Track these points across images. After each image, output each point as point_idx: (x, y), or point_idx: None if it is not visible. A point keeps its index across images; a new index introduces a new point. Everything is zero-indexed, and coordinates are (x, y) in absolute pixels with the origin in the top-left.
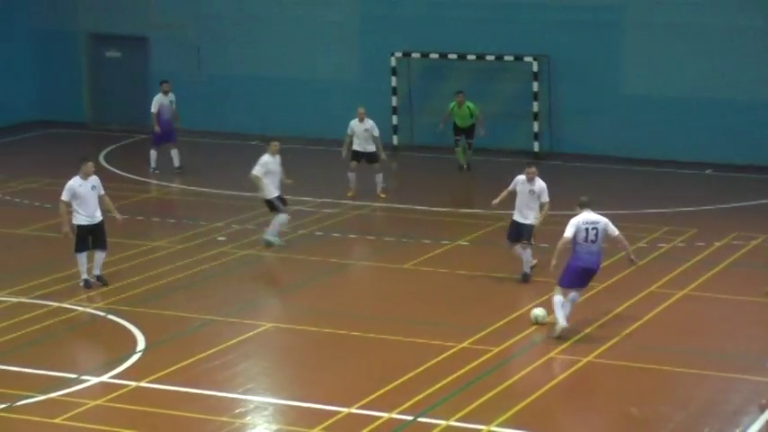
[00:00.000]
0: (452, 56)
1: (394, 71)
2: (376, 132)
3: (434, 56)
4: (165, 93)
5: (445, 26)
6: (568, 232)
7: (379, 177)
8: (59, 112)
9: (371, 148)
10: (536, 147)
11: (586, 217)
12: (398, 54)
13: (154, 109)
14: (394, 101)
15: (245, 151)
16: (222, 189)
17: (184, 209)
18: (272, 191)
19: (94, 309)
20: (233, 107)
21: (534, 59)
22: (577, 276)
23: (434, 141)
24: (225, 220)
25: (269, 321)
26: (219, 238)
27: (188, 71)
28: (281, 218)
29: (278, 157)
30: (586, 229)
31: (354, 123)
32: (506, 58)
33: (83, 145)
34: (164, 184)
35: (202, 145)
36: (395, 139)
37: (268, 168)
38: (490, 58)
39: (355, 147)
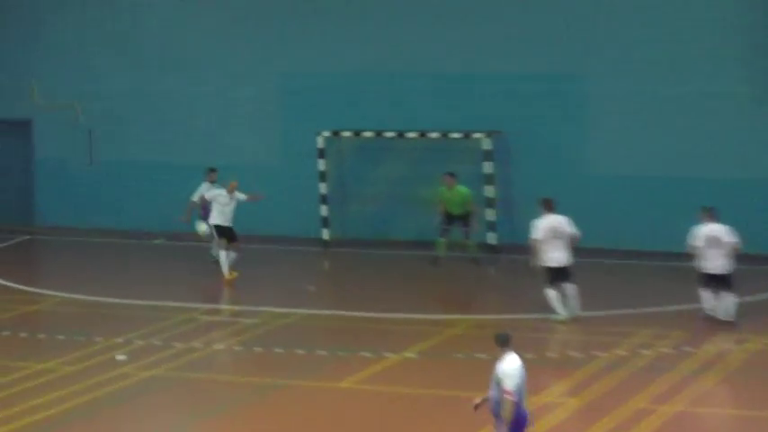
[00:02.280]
0: (390, 134)
1: (321, 153)
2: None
3: (368, 134)
4: (212, 183)
5: (380, 99)
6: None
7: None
8: None
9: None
10: (492, 238)
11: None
12: (326, 133)
13: (195, 198)
14: (323, 188)
15: (146, 252)
16: (120, 298)
17: (76, 322)
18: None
19: None
20: (131, 199)
21: (486, 136)
22: None
23: (372, 234)
24: (124, 334)
25: None
26: (119, 357)
27: (77, 159)
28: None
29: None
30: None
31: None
32: (453, 135)
33: None
34: (50, 293)
35: (95, 245)
36: (325, 233)
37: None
38: (434, 135)
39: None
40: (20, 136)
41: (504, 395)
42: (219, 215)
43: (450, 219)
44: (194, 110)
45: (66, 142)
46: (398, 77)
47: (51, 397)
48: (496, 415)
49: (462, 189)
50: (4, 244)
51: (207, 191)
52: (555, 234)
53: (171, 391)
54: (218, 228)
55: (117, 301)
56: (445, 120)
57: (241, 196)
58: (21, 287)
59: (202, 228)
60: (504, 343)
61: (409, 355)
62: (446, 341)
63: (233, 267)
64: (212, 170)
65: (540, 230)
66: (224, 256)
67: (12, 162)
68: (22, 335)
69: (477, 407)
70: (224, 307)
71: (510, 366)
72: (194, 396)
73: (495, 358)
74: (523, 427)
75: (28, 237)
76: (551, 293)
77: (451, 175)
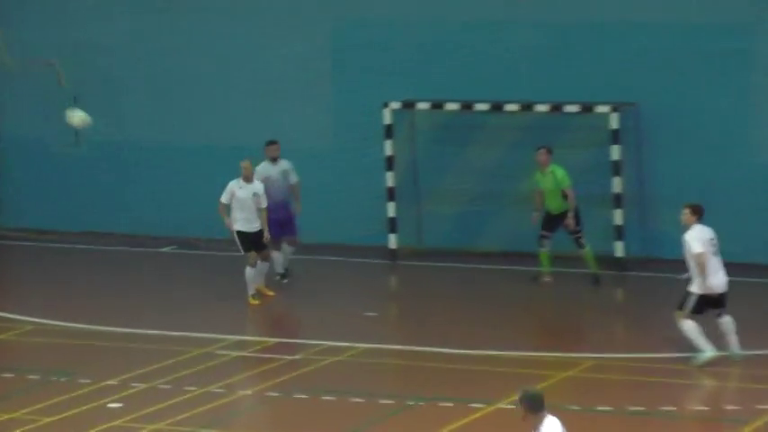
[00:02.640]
0: (481, 106)
1: (388, 132)
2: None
3: (452, 106)
4: (274, 159)
5: (469, 59)
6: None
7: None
8: None
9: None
10: (619, 250)
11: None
12: (396, 105)
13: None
14: (389, 179)
15: (151, 263)
16: (115, 325)
17: (55, 357)
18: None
19: None
20: (131, 193)
21: (613, 110)
22: None
23: (454, 242)
24: (120, 374)
25: None
26: (112, 405)
27: (59, 136)
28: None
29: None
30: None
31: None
32: (568, 108)
33: None
34: (21, 318)
35: (82, 254)
36: (391, 240)
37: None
38: (541, 108)
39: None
40: None
41: None
42: (241, 216)
43: (550, 220)
44: (217, 74)
45: (44, 115)
46: (494, 29)
47: None
48: None
49: (557, 171)
50: None
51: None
52: (714, 250)
53: None
54: (241, 235)
55: (110, 329)
56: (557, 88)
57: (258, 187)
58: None
59: None
60: (538, 407)
61: (504, 406)
62: (554, 388)
63: (266, 285)
64: (272, 142)
65: (700, 243)
66: (251, 274)
67: None
68: None
69: None
70: (254, 339)
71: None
72: None
73: (531, 427)
74: None
75: None
76: (691, 325)
77: (548, 150)
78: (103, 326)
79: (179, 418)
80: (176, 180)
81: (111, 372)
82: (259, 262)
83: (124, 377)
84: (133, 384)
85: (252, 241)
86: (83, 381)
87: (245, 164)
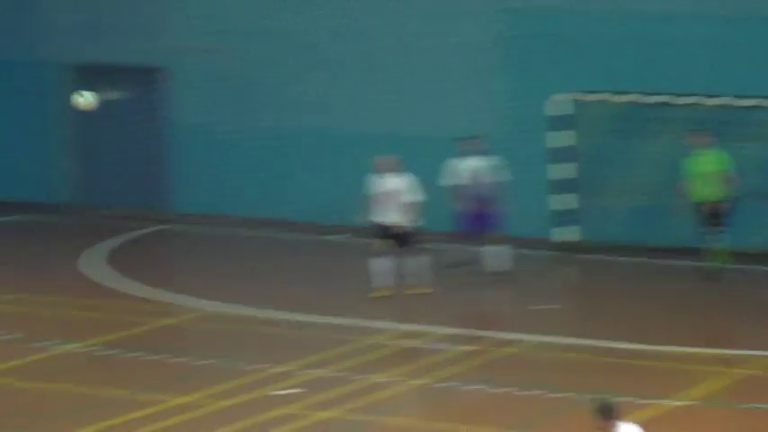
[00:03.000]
0: (660, 98)
1: (563, 123)
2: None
3: (630, 97)
4: (473, 153)
5: (650, 49)
6: None
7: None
8: (32, 186)
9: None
10: None
11: None
12: (569, 96)
13: (454, 181)
14: (562, 172)
15: (319, 250)
16: (282, 311)
17: (223, 343)
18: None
19: None
20: (299, 180)
21: None
22: None
23: (629, 236)
24: (288, 362)
25: None
26: (278, 393)
27: (225, 122)
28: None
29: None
30: None
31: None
32: (743, 102)
33: (65, 240)
34: (189, 303)
35: (250, 240)
36: (563, 233)
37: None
38: (724, 101)
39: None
40: (148, 91)
41: None
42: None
43: (711, 211)
44: (391, 61)
45: (211, 100)
46: (672, 21)
47: None
48: None
49: (719, 153)
50: (129, 236)
51: (462, 168)
52: None
53: None
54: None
55: (277, 316)
56: (733, 81)
57: (398, 182)
58: (151, 295)
59: None
60: (608, 414)
61: (681, 403)
62: (733, 385)
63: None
64: (467, 139)
65: None
66: (376, 266)
67: (137, 126)
68: (153, 358)
69: None
70: (425, 329)
71: None
72: None
73: None
74: None
75: (158, 227)
76: None
77: (704, 133)
78: (270, 311)
79: (350, 406)
80: (345, 164)
81: (281, 358)
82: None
83: (295, 364)
84: (302, 372)
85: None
86: (251, 367)
87: (384, 160)
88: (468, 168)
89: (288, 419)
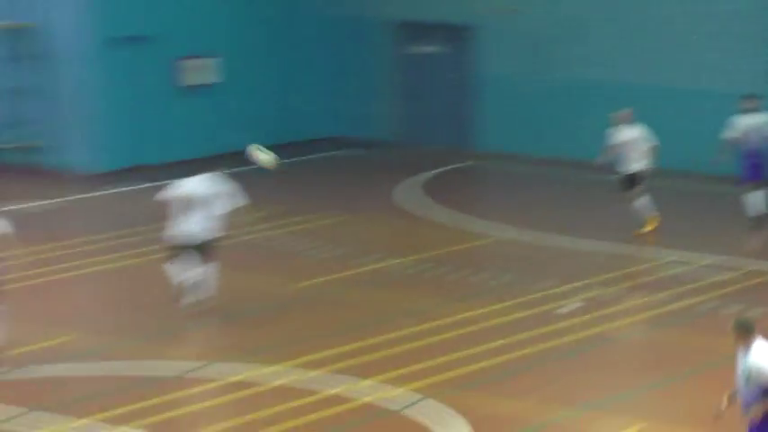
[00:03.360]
0: None
1: None
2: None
3: None
4: (752, 111)
5: None
6: None
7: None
8: (356, 125)
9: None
10: None
11: None
12: None
13: (734, 134)
14: None
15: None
16: (572, 238)
17: (517, 264)
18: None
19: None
20: (583, 126)
21: None
22: None
23: None
24: (573, 281)
25: (640, 419)
26: (563, 310)
27: (526, 75)
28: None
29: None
30: None
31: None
32: None
33: (384, 170)
34: (489, 230)
35: (545, 178)
36: None
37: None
38: None
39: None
40: (460, 46)
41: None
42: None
43: None
44: (673, 18)
45: (512, 55)
46: None
47: (490, 346)
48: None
49: None
50: (439, 171)
51: (743, 123)
52: None
53: (620, 352)
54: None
55: (566, 244)
56: None
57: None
58: (457, 221)
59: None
60: (747, 331)
61: None
62: None
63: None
64: (750, 96)
65: None
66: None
67: (450, 76)
68: (456, 275)
69: (719, 415)
70: (695, 256)
71: (764, 357)
72: (648, 358)
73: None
74: None
75: (466, 163)
76: None
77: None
78: (560, 237)
79: (626, 321)
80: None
81: (566, 278)
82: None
83: (578, 284)
84: (585, 291)
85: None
86: (540, 285)
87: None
88: (746, 124)
89: (565, 331)
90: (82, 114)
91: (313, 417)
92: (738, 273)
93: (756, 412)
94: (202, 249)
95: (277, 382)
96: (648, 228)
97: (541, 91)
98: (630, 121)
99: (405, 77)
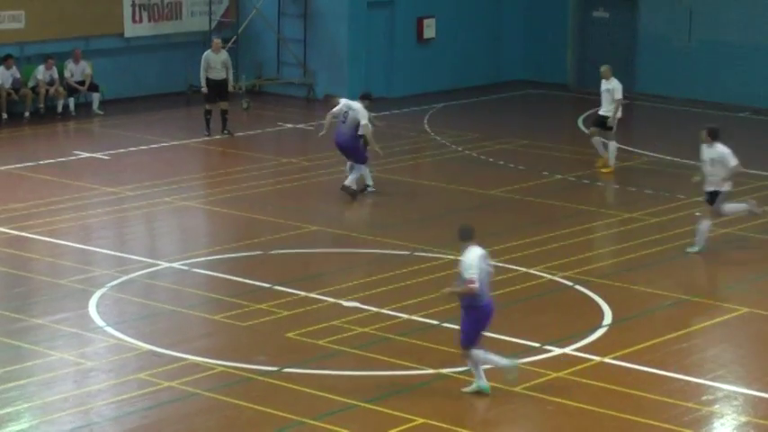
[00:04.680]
0: None
1: None
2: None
3: None
4: None
5: None
6: None
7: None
8: (543, 72)
9: None
10: None
11: None
12: None
13: None
14: None
15: (735, 123)
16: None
17: (662, 180)
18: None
19: (561, 278)
20: (722, 76)
21: None
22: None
23: None
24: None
25: (745, 306)
26: (697, 214)
27: (678, 36)
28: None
29: None
30: None
31: None
32: None
33: (562, 108)
34: (643, 152)
35: (689, 114)
36: None
37: None
38: None
39: None
40: (628, 11)
41: (467, 284)
42: None
43: None
44: None
45: (669, 20)
46: None
47: (633, 243)
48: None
49: None
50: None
51: None
52: None
53: (743, 249)
54: None
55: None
56: None
57: None
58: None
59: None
60: (466, 237)
61: None
62: None
63: None
64: None
65: None
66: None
67: (619, 34)
68: (615, 186)
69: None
70: None
71: (470, 257)
72: (763, 255)
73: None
74: (489, 317)
75: (627, 101)
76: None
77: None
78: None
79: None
80: (755, 68)
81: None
82: None
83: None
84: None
85: None
86: (680, 196)
87: None
88: None
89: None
90: (344, 59)
91: (513, 289)
92: None
93: (464, 293)
94: None
95: None
96: None
97: (689, 47)
98: None
99: (584, 35)
